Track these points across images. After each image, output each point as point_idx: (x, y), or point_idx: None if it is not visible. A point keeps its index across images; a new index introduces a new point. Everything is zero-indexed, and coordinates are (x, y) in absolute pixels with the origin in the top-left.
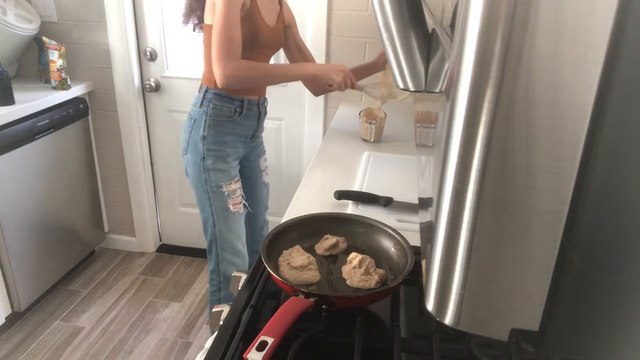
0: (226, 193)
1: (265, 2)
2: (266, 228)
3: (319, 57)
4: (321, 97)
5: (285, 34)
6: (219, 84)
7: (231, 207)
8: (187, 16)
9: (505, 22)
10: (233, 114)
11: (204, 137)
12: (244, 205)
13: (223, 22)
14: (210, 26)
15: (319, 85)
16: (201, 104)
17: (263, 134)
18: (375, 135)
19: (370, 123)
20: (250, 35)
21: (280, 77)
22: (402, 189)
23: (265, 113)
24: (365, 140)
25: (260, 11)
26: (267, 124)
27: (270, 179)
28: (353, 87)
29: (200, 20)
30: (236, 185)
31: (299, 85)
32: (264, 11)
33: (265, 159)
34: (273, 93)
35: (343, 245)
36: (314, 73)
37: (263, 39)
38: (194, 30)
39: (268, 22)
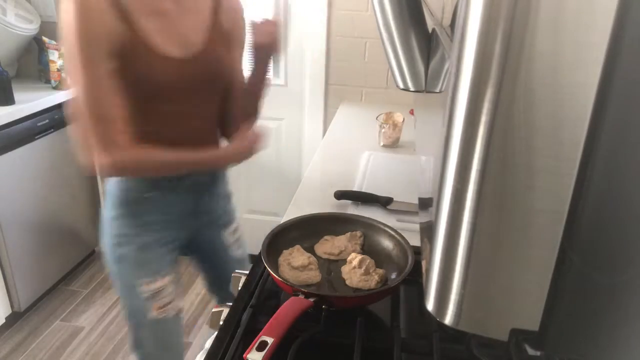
0: (144, 295)
1: (166, 18)
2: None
3: (319, 57)
4: (321, 97)
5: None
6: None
7: (154, 312)
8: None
9: (505, 22)
10: (149, 190)
11: (112, 219)
12: (178, 310)
13: (87, 94)
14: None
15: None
16: None
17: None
18: (394, 140)
19: (386, 127)
20: (143, 83)
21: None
22: (402, 189)
23: (216, 179)
24: (385, 146)
25: (149, 36)
26: (268, 124)
27: (243, 252)
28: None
29: None
30: (162, 283)
31: (299, 85)
32: (161, 35)
33: (234, 230)
34: (273, 93)
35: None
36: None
37: (167, 83)
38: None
39: (168, 51)
